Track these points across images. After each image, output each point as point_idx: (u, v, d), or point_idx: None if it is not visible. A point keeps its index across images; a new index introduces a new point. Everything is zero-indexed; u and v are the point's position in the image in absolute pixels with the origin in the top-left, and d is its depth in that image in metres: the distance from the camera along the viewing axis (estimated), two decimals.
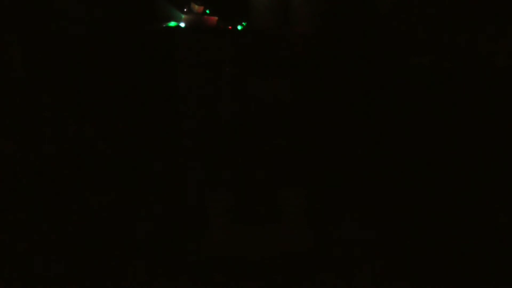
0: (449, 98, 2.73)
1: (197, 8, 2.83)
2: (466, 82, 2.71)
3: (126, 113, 2.74)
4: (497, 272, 2.32)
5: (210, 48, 2.73)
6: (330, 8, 2.90)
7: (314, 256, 2.44)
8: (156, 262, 2.38)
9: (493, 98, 2.67)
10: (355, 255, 2.46)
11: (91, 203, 2.64)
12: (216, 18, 2.86)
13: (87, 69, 2.71)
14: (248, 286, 2.25)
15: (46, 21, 2.68)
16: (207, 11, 2.88)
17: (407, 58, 2.81)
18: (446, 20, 2.78)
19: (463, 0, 2.76)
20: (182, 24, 2.80)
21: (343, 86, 2.84)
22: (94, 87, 2.73)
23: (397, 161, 2.78)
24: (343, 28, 2.88)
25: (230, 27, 2.90)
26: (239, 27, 2.92)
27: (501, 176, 2.62)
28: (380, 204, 2.73)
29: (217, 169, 2.69)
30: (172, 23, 2.80)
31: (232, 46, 2.76)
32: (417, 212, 2.65)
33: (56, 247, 2.45)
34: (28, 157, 2.65)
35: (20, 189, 2.64)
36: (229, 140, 2.72)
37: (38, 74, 2.68)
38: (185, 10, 2.84)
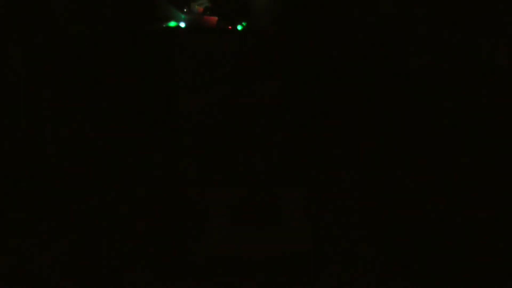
0: (448, 98, 2.73)
1: (197, 8, 2.84)
2: (465, 82, 2.71)
3: (126, 112, 2.74)
4: (497, 272, 2.32)
5: (210, 48, 2.73)
6: (330, 8, 2.90)
7: (314, 256, 2.44)
8: (156, 262, 2.38)
9: (493, 98, 2.67)
10: (355, 255, 2.46)
11: (90, 202, 2.64)
12: (216, 18, 2.87)
13: (87, 69, 2.72)
14: (248, 286, 2.25)
15: (46, 20, 2.68)
16: (207, 11, 2.89)
17: (406, 58, 2.82)
18: (446, 20, 2.79)
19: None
20: (182, 24, 2.81)
21: (342, 85, 2.84)
22: (94, 87, 2.73)
23: (396, 160, 2.78)
24: (342, 28, 2.89)
25: (230, 27, 2.90)
26: (239, 27, 2.92)
27: (501, 175, 2.62)
28: (380, 204, 2.73)
29: (217, 169, 2.69)
30: (172, 23, 2.80)
31: (232, 46, 2.76)
32: (417, 211, 2.65)
33: (55, 247, 2.44)
34: (28, 157, 2.66)
35: (20, 189, 2.64)
36: (229, 140, 2.72)
37: (38, 74, 2.68)
38: (185, 10, 2.84)
